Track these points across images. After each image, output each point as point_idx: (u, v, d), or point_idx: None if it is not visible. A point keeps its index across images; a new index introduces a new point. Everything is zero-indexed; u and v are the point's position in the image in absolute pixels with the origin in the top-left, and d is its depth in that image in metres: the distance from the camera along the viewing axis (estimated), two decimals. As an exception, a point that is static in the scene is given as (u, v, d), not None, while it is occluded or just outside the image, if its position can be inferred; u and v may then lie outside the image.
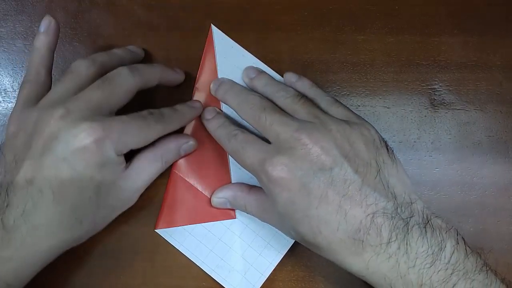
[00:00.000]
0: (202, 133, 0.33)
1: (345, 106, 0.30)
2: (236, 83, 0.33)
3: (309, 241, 0.27)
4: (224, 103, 0.33)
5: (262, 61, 0.34)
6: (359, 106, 0.34)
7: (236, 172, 0.33)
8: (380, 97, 0.35)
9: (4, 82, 0.35)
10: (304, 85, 0.32)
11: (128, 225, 0.33)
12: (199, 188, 0.33)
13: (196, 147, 0.33)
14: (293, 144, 0.26)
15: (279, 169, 0.26)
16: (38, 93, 0.29)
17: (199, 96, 0.34)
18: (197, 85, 0.34)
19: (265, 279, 0.32)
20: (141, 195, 0.31)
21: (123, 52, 0.32)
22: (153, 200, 0.33)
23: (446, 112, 0.34)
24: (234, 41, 0.34)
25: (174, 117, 0.30)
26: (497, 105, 0.34)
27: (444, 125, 0.34)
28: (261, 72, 0.33)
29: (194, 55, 0.35)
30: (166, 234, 0.33)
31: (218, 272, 0.32)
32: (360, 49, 0.35)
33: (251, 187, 0.32)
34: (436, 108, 0.35)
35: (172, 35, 0.35)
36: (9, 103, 0.35)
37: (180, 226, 0.33)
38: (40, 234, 0.26)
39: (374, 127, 0.29)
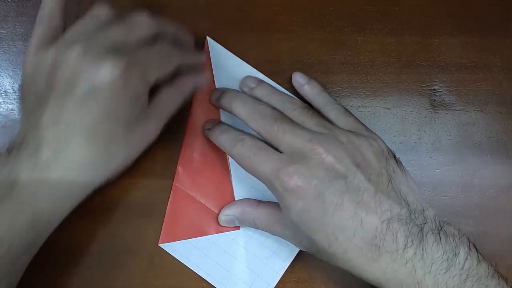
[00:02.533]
0: (202, 146, 0.33)
1: (354, 117, 0.30)
2: (240, 91, 0.33)
3: (323, 250, 0.26)
4: (230, 112, 0.31)
5: (260, 70, 0.34)
6: (359, 107, 0.35)
7: (238, 183, 0.33)
8: (380, 98, 0.35)
9: (5, 84, 0.35)
10: (313, 91, 0.32)
11: (128, 226, 0.33)
12: (202, 200, 0.33)
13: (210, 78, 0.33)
14: (307, 153, 0.26)
15: (295, 178, 0.26)
16: (52, 35, 0.28)
17: (198, 107, 0.34)
18: (195, 96, 0.34)
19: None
20: (144, 203, 0.31)
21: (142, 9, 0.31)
22: (155, 213, 0.33)
23: (446, 113, 0.34)
24: (234, 42, 0.34)
25: (191, 41, 0.31)
26: (497, 106, 0.34)
27: (444, 126, 0.34)
28: (261, 81, 0.33)
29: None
30: (170, 249, 0.32)
31: (225, 284, 0.32)
32: (360, 50, 0.35)
33: (259, 201, 0.32)
34: (436, 109, 0.35)
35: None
36: (9, 104, 0.35)
37: (183, 239, 0.33)
38: (74, 173, 0.26)
39: (381, 139, 0.29)
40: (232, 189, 0.33)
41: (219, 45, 0.34)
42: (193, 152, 0.33)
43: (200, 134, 0.33)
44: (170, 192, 0.33)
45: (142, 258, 0.33)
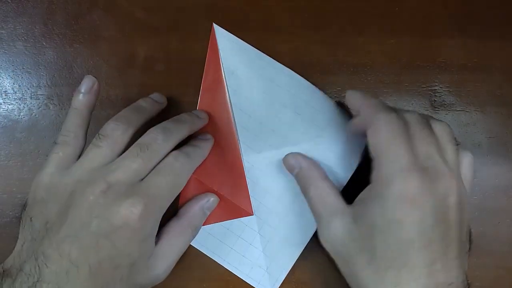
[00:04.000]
0: (213, 133, 0.33)
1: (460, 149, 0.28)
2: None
3: (362, 269, 0.26)
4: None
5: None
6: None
7: (250, 169, 0.33)
8: (381, 98, 0.35)
9: (5, 84, 0.35)
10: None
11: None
12: (214, 187, 0.33)
13: (218, 202, 0.33)
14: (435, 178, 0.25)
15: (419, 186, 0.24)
16: (73, 157, 0.28)
17: (207, 95, 0.34)
18: (204, 85, 0.34)
19: (287, 272, 0.33)
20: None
21: (150, 105, 0.31)
22: None
23: (446, 114, 0.34)
24: (243, 42, 0.34)
25: (195, 155, 0.30)
26: (497, 106, 0.34)
27: (444, 126, 0.34)
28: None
29: (195, 56, 0.35)
30: None
31: (241, 269, 0.33)
32: (360, 51, 0.35)
33: (326, 176, 0.30)
34: (436, 109, 0.35)
35: (172, 37, 0.35)
36: (9, 104, 0.35)
37: None
38: None
39: (461, 187, 0.27)
40: (245, 175, 0.33)
41: (225, 31, 0.34)
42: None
43: (210, 119, 0.33)
44: None
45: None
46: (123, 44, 0.35)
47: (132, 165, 0.26)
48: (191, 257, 0.33)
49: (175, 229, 0.30)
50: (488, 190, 0.34)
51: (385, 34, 0.35)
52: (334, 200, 0.28)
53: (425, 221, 0.24)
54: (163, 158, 0.28)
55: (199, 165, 0.33)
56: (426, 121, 0.27)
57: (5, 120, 0.35)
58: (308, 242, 0.33)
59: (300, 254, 0.33)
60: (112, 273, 0.25)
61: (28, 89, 0.35)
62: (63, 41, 0.35)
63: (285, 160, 0.32)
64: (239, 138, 0.33)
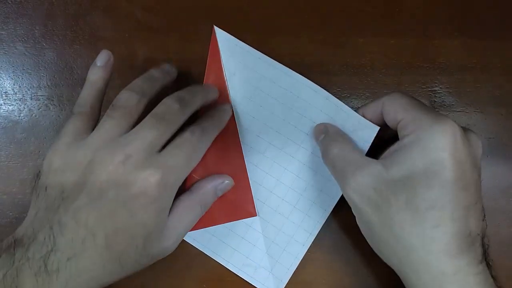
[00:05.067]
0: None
1: None
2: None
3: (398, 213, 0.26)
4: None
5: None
6: (359, 108, 0.34)
7: (253, 169, 0.33)
8: (381, 99, 0.35)
9: (5, 85, 0.35)
10: None
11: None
12: None
13: (233, 185, 0.32)
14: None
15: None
16: (88, 127, 0.28)
17: None
18: (206, 82, 0.34)
19: (292, 273, 0.33)
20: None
21: (161, 75, 0.31)
22: None
23: (447, 114, 0.35)
24: (244, 44, 0.34)
25: (212, 127, 0.30)
26: (497, 107, 0.34)
27: (445, 127, 0.34)
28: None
29: (195, 56, 0.35)
30: (189, 238, 0.33)
31: (245, 271, 0.33)
32: (360, 52, 0.35)
33: (351, 141, 0.31)
34: (437, 110, 0.35)
35: (172, 37, 0.35)
36: (10, 105, 0.35)
37: (201, 228, 0.33)
38: (82, 278, 0.25)
39: None
40: (247, 175, 0.33)
41: (226, 33, 0.34)
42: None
43: None
44: (186, 182, 0.33)
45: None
46: (123, 44, 0.35)
47: (149, 136, 0.26)
48: (191, 257, 0.33)
49: (186, 203, 0.29)
50: (488, 191, 0.34)
51: (385, 34, 0.35)
52: (359, 156, 0.29)
53: (465, 164, 0.25)
54: (180, 131, 0.28)
55: (201, 166, 0.33)
56: None
57: (6, 121, 0.35)
58: (313, 242, 0.33)
59: (304, 254, 0.33)
60: (128, 242, 0.26)
61: (29, 90, 0.35)
62: (63, 42, 0.35)
63: (315, 127, 0.32)
64: (242, 139, 0.33)
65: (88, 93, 0.29)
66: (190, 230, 0.32)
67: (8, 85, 0.35)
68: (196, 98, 0.30)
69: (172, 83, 0.32)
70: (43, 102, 0.35)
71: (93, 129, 0.28)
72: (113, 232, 0.25)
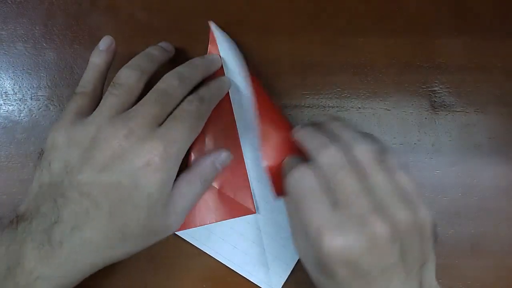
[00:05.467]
0: (215, 131, 0.33)
1: (410, 175, 0.27)
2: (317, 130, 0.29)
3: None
4: (301, 145, 0.29)
5: (261, 72, 0.34)
6: (359, 108, 0.35)
7: (252, 168, 0.33)
8: (381, 99, 0.35)
9: (5, 85, 0.35)
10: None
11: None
12: (216, 185, 0.33)
13: (232, 158, 0.32)
14: (362, 225, 0.24)
15: (336, 248, 0.24)
16: (90, 107, 0.29)
17: None
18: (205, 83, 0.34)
19: (291, 270, 0.33)
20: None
21: (160, 53, 0.32)
22: None
23: (447, 114, 0.34)
24: (235, 43, 0.34)
25: (210, 95, 0.31)
26: (498, 107, 0.34)
27: (445, 127, 0.34)
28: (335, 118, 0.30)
29: (195, 56, 0.34)
30: (188, 236, 0.33)
31: (244, 268, 0.33)
32: (360, 51, 0.35)
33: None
34: (437, 110, 0.35)
35: (172, 38, 0.35)
36: (9, 105, 0.35)
37: (200, 226, 0.33)
38: (85, 250, 0.25)
39: (430, 212, 0.26)
40: (246, 172, 0.33)
41: (220, 29, 0.34)
42: (206, 137, 0.33)
43: (212, 118, 0.33)
44: None
45: (142, 258, 0.33)
46: (123, 44, 0.35)
47: (151, 111, 0.27)
48: (191, 258, 0.33)
49: (185, 178, 0.30)
50: (489, 191, 0.34)
51: (385, 34, 0.35)
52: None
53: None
54: (179, 103, 0.29)
55: None
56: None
57: (6, 121, 0.35)
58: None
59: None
60: (131, 213, 0.26)
61: (29, 90, 0.35)
62: (63, 42, 0.35)
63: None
64: (241, 136, 0.33)
65: (90, 75, 0.30)
66: (189, 228, 0.32)
67: (8, 85, 0.35)
68: (196, 72, 0.31)
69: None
70: (43, 102, 0.35)
71: (94, 109, 0.28)
72: (117, 203, 0.26)
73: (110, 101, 0.28)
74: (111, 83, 0.28)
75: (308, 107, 0.35)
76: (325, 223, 0.24)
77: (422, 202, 0.26)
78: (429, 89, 0.35)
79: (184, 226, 0.33)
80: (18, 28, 0.35)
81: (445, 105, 0.35)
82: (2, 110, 0.35)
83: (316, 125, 0.29)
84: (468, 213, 0.34)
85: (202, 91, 0.30)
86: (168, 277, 0.33)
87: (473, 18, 0.35)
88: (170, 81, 0.29)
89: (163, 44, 0.33)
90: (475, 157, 0.34)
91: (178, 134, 0.27)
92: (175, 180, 0.29)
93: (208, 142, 0.33)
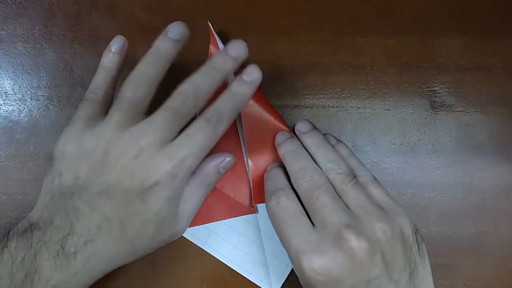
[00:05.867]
0: None
1: (382, 187, 0.29)
2: (301, 146, 0.31)
3: None
4: (280, 157, 0.31)
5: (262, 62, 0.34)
6: (359, 108, 0.35)
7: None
8: (381, 99, 0.35)
9: (5, 85, 0.35)
10: (342, 153, 0.31)
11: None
12: (217, 185, 0.33)
13: (234, 162, 0.32)
14: (339, 242, 0.25)
15: (316, 270, 0.25)
16: (100, 113, 0.28)
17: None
18: None
19: (290, 269, 0.33)
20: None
21: (169, 49, 0.28)
22: None
23: (447, 114, 0.34)
24: None
25: (232, 109, 0.28)
26: (498, 107, 0.34)
27: (445, 127, 0.34)
28: (314, 129, 0.32)
29: (195, 57, 0.34)
30: (188, 235, 0.33)
31: (244, 267, 0.33)
32: (360, 51, 0.35)
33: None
34: (437, 110, 0.35)
35: (172, 38, 0.35)
36: (9, 106, 0.35)
37: (200, 225, 0.33)
38: (98, 260, 0.26)
39: (408, 218, 0.28)
40: (247, 173, 0.33)
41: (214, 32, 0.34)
42: None
43: None
44: None
45: (143, 258, 0.33)
46: (123, 45, 0.35)
47: (161, 129, 0.26)
48: (191, 258, 0.33)
49: (191, 186, 0.29)
50: (489, 191, 0.34)
51: (385, 34, 0.35)
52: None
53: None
54: (198, 119, 0.27)
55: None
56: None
57: (5, 121, 0.35)
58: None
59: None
60: (141, 228, 0.26)
61: (28, 90, 0.35)
62: (63, 42, 0.35)
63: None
64: (242, 136, 0.33)
65: (102, 79, 0.29)
66: (190, 226, 0.32)
67: (8, 85, 0.35)
68: (212, 81, 0.28)
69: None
70: (43, 103, 0.35)
71: (105, 114, 0.28)
72: (127, 219, 0.26)
73: (119, 115, 0.27)
74: (119, 95, 0.27)
75: (308, 107, 0.35)
76: (303, 245, 0.26)
77: (399, 211, 0.28)
78: (429, 89, 0.35)
79: None
80: (18, 28, 0.35)
81: (445, 105, 0.35)
82: (2, 110, 0.35)
83: (299, 134, 0.32)
84: (468, 213, 0.34)
85: (224, 104, 0.28)
86: (168, 277, 0.33)
87: (473, 18, 0.35)
88: (184, 99, 0.27)
89: (173, 32, 0.29)
90: (475, 157, 0.34)
91: (189, 154, 0.26)
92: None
93: None
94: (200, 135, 0.27)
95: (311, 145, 0.31)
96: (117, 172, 0.26)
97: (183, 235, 0.33)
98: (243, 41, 0.29)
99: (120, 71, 0.30)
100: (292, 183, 0.29)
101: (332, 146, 0.31)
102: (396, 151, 0.34)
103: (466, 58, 0.35)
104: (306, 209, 0.28)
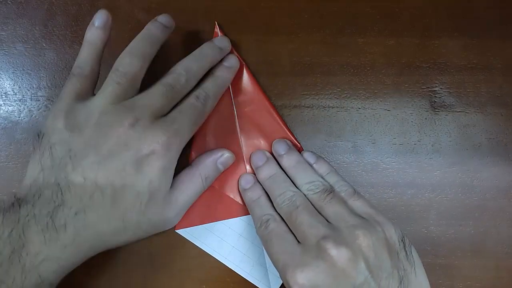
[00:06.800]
0: (215, 130, 0.33)
1: (364, 199, 0.30)
2: (280, 170, 0.32)
3: None
4: (261, 183, 0.32)
5: (260, 72, 0.34)
6: (359, 108, 0.35)
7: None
8: (381, 99, 0.35)
9: (5, 86, 0.35)
10: (321, 170, 0.32)
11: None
12: (216, 185, 0.33)
13: (234, 159, 0.33)
14: (319, 253, 0.26)
15: (300, 283, 0.25)
16: (89, 89, 0.29)
17: None
18: None
19: None
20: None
21: (160, 32, 0.30)
22: None
23: (447, 115, 0.34)
24: (234, 44, 0.34)
25: (216, 89, 0.31)
26: (497, 107, 0.34)
27: (445, 127, 0.34)
28: (290, 149, 0.33)
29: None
30: (187, 234, 0.33)
31: (242, 267, 0.33)
32: (360, 52, 0.35)
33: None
34: (437, 110, 0.35)
35: (172, 38, 0.35)
36: (9, 106, 0.35)
37: (200, 225, 0.33)
38: (88, 234, 0.26)
39: (392, 224, 0.28)
40: (246, 171, 0.33)
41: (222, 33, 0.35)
42: (206, 136, 0.33)
43: (212, 118, 0.33)
44: None
45: (142, 258, 0.33)
46: (123, 45, 0.35)
47: (156, 104, 0.28)
48: (191, 258, 0.33)
49: (187, 174, 0.31)
50: (489, 191, 0.34)
51: (385, 35, 0.35)
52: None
53: None
54: (187, 97, 0.29)
55: None
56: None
57: (5, 122, 0.35)
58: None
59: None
60: (133, 200, 0.27)
61: (28, 90, 0.35)
62: (63, 43, 0.35)
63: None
64: (241, 136, 0.33)
65: (87, 54, 0.29)
66: (189, 226, 0.33)
67: (8, 85, 0.35)
68: (203, 64, 0.31)
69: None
70: (43, 103, 0.35)
71: (93, 91, 0.29)
72: (120, 189, 0.26)
73: (114, 89, 0.28)
74: (114, 69, 0.28)
75: (308, 107, 0.35)
76: (288, 258, 0.27)
77: (382, 219, 0.28)
78: (429, 90, 0.35)
79: (184, 225, 0.33)
80: (18, 29, 0.35)
81: (445, 105, 0.35)
82: (2, 111, 0.35)
83: (276, 156, 0.33)
84: (468, 213, 0.34)
85: (209, 85, 0.31)
86: (168, 277, 0.33)
87: (473, 18, 0.35)
88: (178, 77, 0.29)
89: (162, 19, 0.31)
90: (475, 157, 0.34)
91: (182, 127, 0.28)
92: (177, 174, 0.30)
93: (209, 142, 0.33)
94: (192, 110, 0.29)
95: (289, 167, 0.32)
96: (112, 141, 0.26)
97: (183, 235, 0.33)
98: (226, 37, 0.33)
99: (105, 46, 0.30)
100: (275, 207, 0.30)
101: (312, 164, 0.32)
102: (396, 152, 0.34)
103: (466, 59, 0.35)
104: (291, 229, 0.29)
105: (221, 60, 0.32)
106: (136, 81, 0.28)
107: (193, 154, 0.33)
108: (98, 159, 0.26)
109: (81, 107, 0.27)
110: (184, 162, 0.32)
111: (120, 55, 0.29)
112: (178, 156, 0.29)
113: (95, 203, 0.26)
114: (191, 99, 0.29)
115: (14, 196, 0.26)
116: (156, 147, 0.27)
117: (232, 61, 0.32)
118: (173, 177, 0.29)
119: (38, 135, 0.27)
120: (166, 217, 0.29)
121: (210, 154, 0.32)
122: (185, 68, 0.29)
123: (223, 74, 0.32)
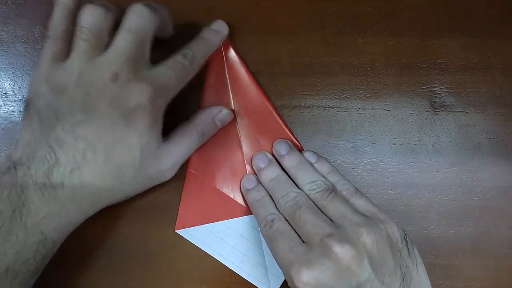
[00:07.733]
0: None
1: (366, 197, 0.30)
2: (281, 171, 0.32)
3: None
4: (263, 185, 0.32)
5: (260, 72, 0.34)
6: (359, 108, 0.35)
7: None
8: (381, 99, 0.35)
9: (5, 86, 0.35)
10: (323, 170, 0.32)
11: (127, 227, 0.33)
12: (216, 185, 0.33)
13: (232, 116, 0.33)
14: (324, 251, 0.26)
15: (305, 281, 0.25)
16: (65, 50, 0.28)
17: (209, 93, 0.34)
18: (206, 83, 0.34)
19: None
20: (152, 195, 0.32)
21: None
22: (167, 202, 0.33)
23: (447, 115, 0.34)
24: (234, 44, 0.34)
25: (203, 51, 0.31)
26: (498, 107, 0.34)
27: (445, 127, 0.34)
28: (292, 149, 0.33)
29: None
30: (187, 234, 0.33)
31: (242, 268, 0.33)
32: (360, 52, 0.35)
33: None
34: (437, 110, 0.35)
35: (172, 38, 0.35)
36: (9, 106, 0.35)
37: (200, 225, 0.33)
38: (85, 192, 0.26)
39: (394, 222, 0.28)
40: (247, 173, 0.33)
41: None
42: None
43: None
44: (184, 178, 0.33)
45: (142, 258, 0.33)
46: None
47: (127, 50, 0.27)
48: (190, 258, 0.33)
49: (182, 129, 0.31)
50: (489, 191, 0.34)
51: (385, 35, 0.35)
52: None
53: None
54: (174, 55, 0.29)
55: (201, 162, 0.33)
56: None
57: (5, 122, 0.35)
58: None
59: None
60: (125, 154, 0.27)
61: (28, 90, 0.35)
62: (63, 43, 0.35)
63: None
64: (241, 136, 0.33)
65: (59, 15, 0.28)
66: (189, 226, 0.33)
67: (8, 86, 0.35)
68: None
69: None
70: (43, 103, 0.35)
71: (69, 51, 0.28)
72: (112, 144, 0.26)
73: (83, 46, 0.27)
74: (79, 26, 0.27)
75: (308, 107, 0.35)
76: (292, 256, 0.27)
77: (385, 217, 0.28)
78: (429, 90, 0.35)
79: (184, 225, 0.33)
80: (18, 29, 0.35)
81: (445, 105, 0.35)
82: (2, 111, 0.35)
83: (277, 156, 0.33)
84: (468, 213, 0.34)
85: (196, 46, 0.31)
86: (167, 278, 0.33)
87: (473, 18, 0.35)
88: (140, 13, 0.27)
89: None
90: (475, 157, 0.34)
91: (168, 82, 0.28)
92: (172, 131, 0.30)
93: (209, 141, 0.33)
94: (179, 67, 0.29)
95: (290, 168, 0.32)
96: (96, 98, 0.26)
97: (183, 235, 0.33)
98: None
99: (77, 6, 0.29)
100: (278, 208, 0.30)
101: (313, 163, 0.32)
102: (396, 152, 0.34)
103: (466, 59, 0.35)
104: (295, 229, 0.29)
105: (210, 23, 0.32)
106: (104, 33, 0.27)
107: (193, 154, 0.33)
108: (85, 117, 0.26)
109: (60, 69, 0.27)
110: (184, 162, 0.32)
111: (80, 11, 0.27)
112: (164, 109, 0.29)
113: (88, 160, 0.26)
114: (178, 57, 0.29)
115: (9, 160, 0.26)
116: (143, 101, 0.26)
117: (221, 26, 0.32)
118: (170, 131, 0.30)
119: (25, 106, 0.28)
120: (161, 169, 0.29)
121: (208, 110, 0.32)
122: (144, 3, 0.28)
123: (211, 37, 0.32)
